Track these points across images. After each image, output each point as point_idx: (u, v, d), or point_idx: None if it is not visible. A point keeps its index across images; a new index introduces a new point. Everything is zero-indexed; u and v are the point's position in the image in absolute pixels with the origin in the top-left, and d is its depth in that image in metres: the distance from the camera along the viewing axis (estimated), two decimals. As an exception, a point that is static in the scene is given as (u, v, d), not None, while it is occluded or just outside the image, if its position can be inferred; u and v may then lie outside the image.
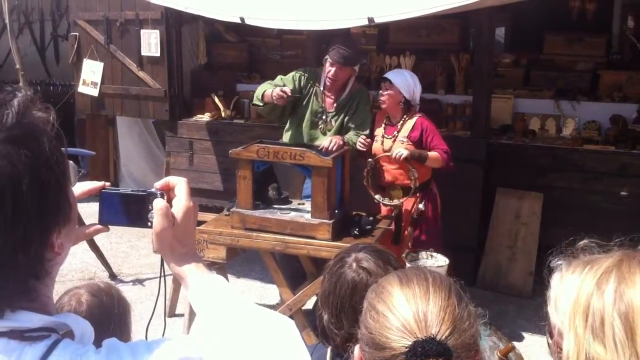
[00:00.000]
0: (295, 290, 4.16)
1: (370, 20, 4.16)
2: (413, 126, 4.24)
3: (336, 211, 3.91)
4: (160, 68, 6.04)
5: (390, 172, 4.30)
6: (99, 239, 5.41)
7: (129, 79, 6.19)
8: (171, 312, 4.67)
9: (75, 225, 1.06)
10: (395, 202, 4.24)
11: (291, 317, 3.57)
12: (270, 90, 4.33)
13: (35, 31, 8.48)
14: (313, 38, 5.90)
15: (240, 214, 3.95)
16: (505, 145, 5.39)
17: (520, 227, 5.25)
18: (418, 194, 4.22)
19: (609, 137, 5.26)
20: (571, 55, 5.98)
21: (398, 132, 4.28)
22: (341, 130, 4.45)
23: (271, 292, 5.07)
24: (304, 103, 4.53)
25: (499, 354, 2.28)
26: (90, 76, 6.33)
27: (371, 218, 4.04)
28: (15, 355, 0.92)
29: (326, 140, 4.23)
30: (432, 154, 4.15)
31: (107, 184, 1.20)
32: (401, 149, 4.10)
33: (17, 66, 5.78)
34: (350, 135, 4.35)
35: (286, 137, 4.64)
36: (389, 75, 4.31)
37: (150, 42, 5.96)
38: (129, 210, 1.15)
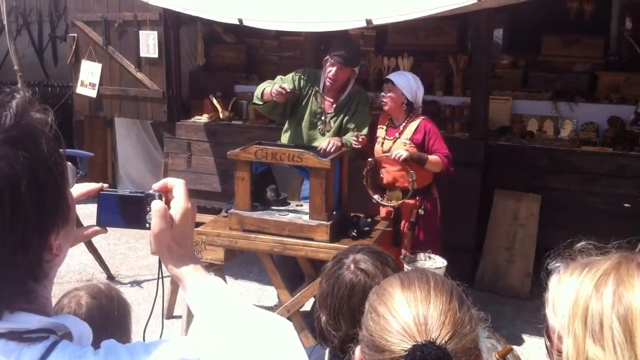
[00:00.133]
0: (293, 292, 4.15)
1: (369, 22, 4.15)
2: (416, 128, 4.23)
3: (334, 213, 3.90)
4: (158, 69, 6.03)
5: (391, 173, 4.28)
6: (96, 241, 5.40)
7: (127, 80, 6.18)
8: (169, 314, 4.66)
9: (73, 226, 1.06)
10: (394, 203, 4.23)
11: (289, 318, 3.57)
12: (269, 88, 4.31)
13: (33, 32, 8.48)
14: (311, 40, 5.89)
15: (239, 216, 3.95)
16: (503, 146, 5.39)
17: (518, 229, 5.25)
18: (418, 197, 4.21)
19: (606, 139, 5.27)
20: (569, 57, 5.98)
21: (400, 134, 4.27)
22: (340, 131, 4.44)
23: (269, 294, 5.07)
24: (303, 104, 4.52)
25: (496, 356, 2.28)
26: (89, 77, 6.33)
27: (369, 219, 4.03)
28: (14, 356, 0.92)
29: (324, 142, 4.20)
30: (433, 157, 4.13)
31: (105, 185, 1.20)
32: (400, 150, 4.08)
33: (15, 67, 5.78)
34: (349, 137, 4.33)
35: (285, 138, 4.63)
36: (392, 76, 4.30)
37: (149, 43, 5.96)
38: (127, 211, 1.15)
